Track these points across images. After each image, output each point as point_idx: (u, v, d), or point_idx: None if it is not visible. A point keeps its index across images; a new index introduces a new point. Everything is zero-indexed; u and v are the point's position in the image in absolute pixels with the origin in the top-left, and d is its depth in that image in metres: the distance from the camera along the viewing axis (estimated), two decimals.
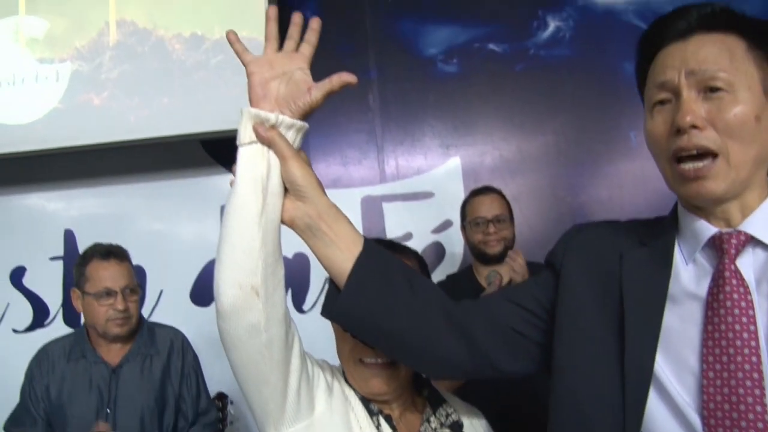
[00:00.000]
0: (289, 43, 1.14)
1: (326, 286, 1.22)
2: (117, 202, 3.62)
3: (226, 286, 1.06)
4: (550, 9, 3.49)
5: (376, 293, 1.09)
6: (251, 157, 1.08)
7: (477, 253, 2.81)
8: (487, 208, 2.79)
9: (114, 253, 2.42)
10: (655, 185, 3.40)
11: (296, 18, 1.14)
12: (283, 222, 1.11)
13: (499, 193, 2.85)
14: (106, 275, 2.37)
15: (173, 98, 3.34)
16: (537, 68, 3.46)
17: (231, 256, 1.06)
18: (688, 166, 0.98)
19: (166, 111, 3.33)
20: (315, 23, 1.14)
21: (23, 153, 3.39)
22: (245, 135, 1.09)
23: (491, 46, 3.50)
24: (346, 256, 1.10)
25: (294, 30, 1.14)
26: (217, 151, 3.51)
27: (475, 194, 2.87)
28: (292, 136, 1.11)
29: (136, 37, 3.40)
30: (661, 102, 1.03)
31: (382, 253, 1.14)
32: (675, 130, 0.98)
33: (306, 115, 1.11)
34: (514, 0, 3.50)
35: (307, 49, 1.13)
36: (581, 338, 1.06)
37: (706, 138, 0.96)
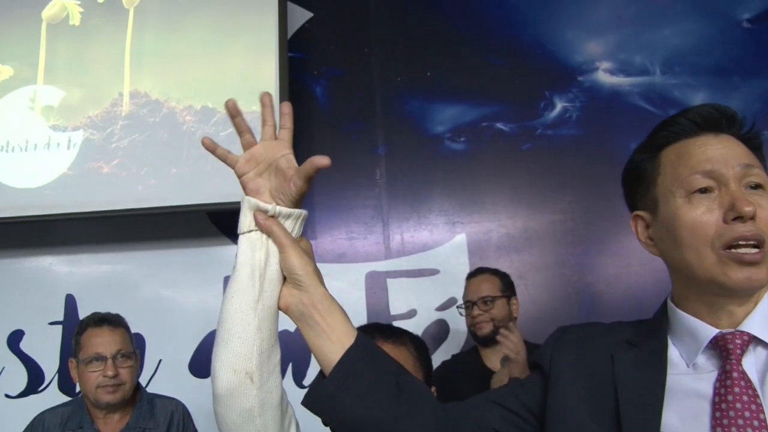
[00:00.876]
0: (267, 129, 1.13)
1: None
2: (120, 268, 3.60)
3: (221, 370, 1.07)
4: (557, 89, 3.55)
5: (360, 388, 1.05)
6: (250, 244, 1.11)
7: (472, 335, 2.84)
8: (474, 290, 2.81)
9: (108, 320, 2.39)
10: (662, 264, 3.39)
11: (266, 99, 1.14)
12: (279, 308, 1.13)
13: (491, 273, 2.86)
14: (97, 341, 2.33)
15: (181, 169, 3.37)
16: (544, 147, 3.50)
17: (227, 341, 1.08)
18: (745, 251, 0.97)
19: (174, 181, 3.36)
20: (286, 108, 1.15)
21: (30, 217, 3.39)
22: (245, 223, 1.12)
23: (499, 125, 3.54)
24: (336, 348, 1.08)
25: (267, 113, 1.14)
26: (222, 222, 3.52)
27: (467, 278, 2.90)
28: (291, 225, 1.13)
29: (148, 108, 3.45)
30: (704, 190, 1.02)
31: (373, 349, 1.12)
32: (732, 217, 0.97)
33: (298, 202, 1.12)
34: (521, 80, 3.56)
35: (286, 134, 1.13)
36: None
37: (760, 229, 0.97)
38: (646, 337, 1.08)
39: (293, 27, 3.66)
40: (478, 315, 2.74)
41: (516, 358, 2.38)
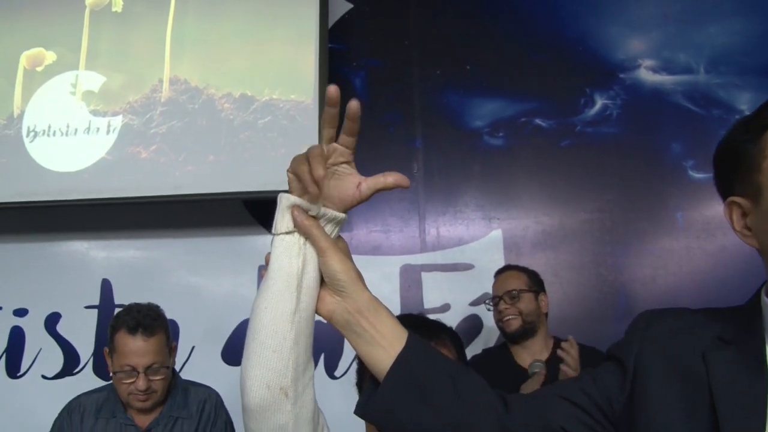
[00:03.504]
0: (330, 132, 1.02)
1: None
2: (156, 254, 3.64)
3: (253, 385, 1.00)
4: (598, 87, 3.50)
5: (415, 396, 1.00)
6: (287, 249, 1.03)
7: (501, 332, 2.83)
8: (500, 286, 2.81)
9: (143, 325, 2.27)
10: (700, 266, 3.37)
11: (332, 92, 0.98)
12: (320, 315, 1.06)
13: (518, 269, 2.86)
14: (129, 351, 2.24)
15: (219, 156, 3.38)
16: (583, 145, 3.45)
17: (260, 355, 1.00)
18: None
19: (212, 169, 3.37)
20: (353, 111, 0.99)
21: (69, 201, 3.44)
22: (282, 224, 1.03)
23: (537, 121, 3.50)
24: (388, 354, 1.02)
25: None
26: (258, 211, 3.53)
27: (495, 275, 2.90)
28: (330, 229, 1.05)
29: (187, 94, 3.47)
30: None
31: (425, 350, 1.05)
32: None
33: (348, 209, 1.05)
34: (561, 76, 3.52)
35: (350, 142, 1.03)
36: None
37: None
38: (740, 332, 0.99)
39: (333, 18, 3.65)
40: (505, 309, 2.74)
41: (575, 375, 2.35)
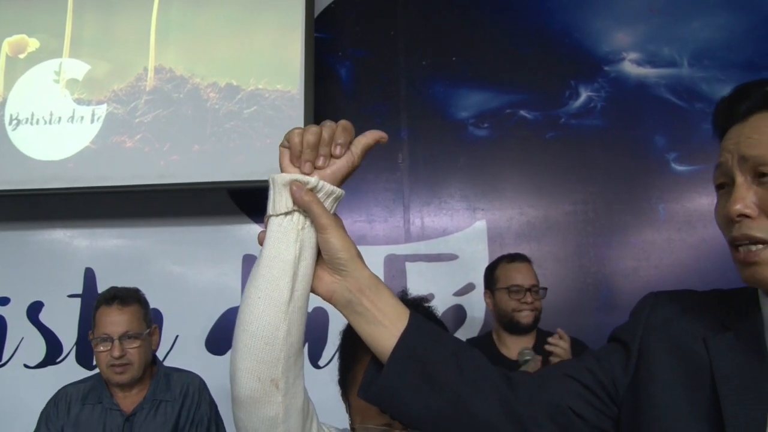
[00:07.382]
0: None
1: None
2: (140, 243, 3.62)
3: (243, 377, 0.97)
4: (583, 79, 3.52)
5: (419, 376, 0.97)
6: (284, 234, 0.98)
7: (507, 321, 2.73)
8: (524, 276, 2.74)
9: (120, 297, 2.39)
10: (682, 258, 3.41)
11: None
12: (319, 295, 1.02)
13: (530, 263, 2.81)
14: (105, 321, 2.35)
15: (204, 146, 3.37)
16: (567, 137, 3.47)
17: (250, 346, 0.96)
18: (742, 250, 0.92)
19: (196, 158, 3.36)
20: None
21: (53, 190, 3.42)
22: (280, 203, 0.98)
23: (523, 112, 3.52)
24: (391, 333, 0.99)
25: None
26: (243, 200, 3.53)
27: (510, 260, 2.81)
28: (329, 205, 1.00)
29: (172, 83, 3.45)
30: (721, 186, 0.97)
31: (428, 329, 1.02)
32: (728, 218, 0.93)
33: (342, 181, 1.01)
34: (547, 69, 3.54)
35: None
36: None
37: (758, 228, 0.90)
38: (741, 316, 0.98)
39: (319, 7, 3.65)
40: (532, 302, 2.69)
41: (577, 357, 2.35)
